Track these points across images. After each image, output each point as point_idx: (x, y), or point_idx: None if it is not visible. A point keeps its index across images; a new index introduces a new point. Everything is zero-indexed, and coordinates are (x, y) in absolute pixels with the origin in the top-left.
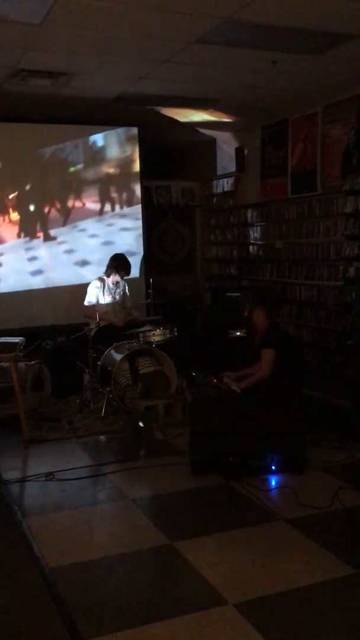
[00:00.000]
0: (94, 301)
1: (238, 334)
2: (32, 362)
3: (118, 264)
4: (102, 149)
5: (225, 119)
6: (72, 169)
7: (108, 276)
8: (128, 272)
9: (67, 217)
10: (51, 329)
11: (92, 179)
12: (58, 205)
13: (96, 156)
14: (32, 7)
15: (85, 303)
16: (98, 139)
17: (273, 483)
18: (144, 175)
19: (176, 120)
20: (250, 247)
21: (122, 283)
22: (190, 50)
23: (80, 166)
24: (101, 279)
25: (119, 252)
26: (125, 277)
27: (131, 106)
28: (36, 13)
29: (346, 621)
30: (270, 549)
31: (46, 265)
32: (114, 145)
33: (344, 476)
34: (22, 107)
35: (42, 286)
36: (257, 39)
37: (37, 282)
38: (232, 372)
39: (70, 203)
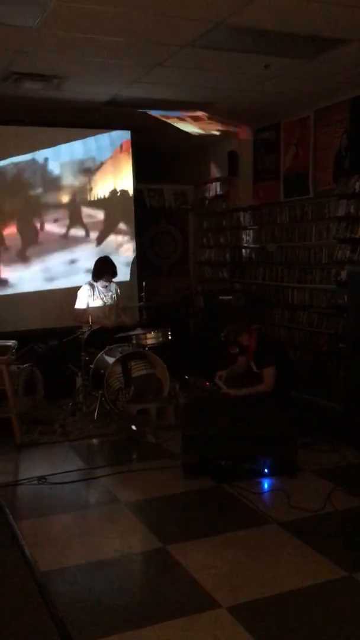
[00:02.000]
0: (83, 306)
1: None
2: (24, 366)
3: (99, 267)
4: (94, 152)
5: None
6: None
7: (96, 281)
8: (113, 274)
9: (57, 219)
10: (43, 332)
11: (83, 181)
12: (48, 207)
13: (88, 159)
14: (26, 10)
15: (75, 307)
16: (90, 142)
17: (265, 486)
18: (136, 178)
19: (169, 124)
20: (243, 250)
21: (112, 285)
22: (183, 54)
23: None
24: (90, 284)
25: (113, 257)
26: (115, 280)
27: (124, 109)
28: (30, 16)
29: (339, 624)
30: (262, 552)
31: (39, 269)
32: (106, 148)
33: (335, 479)
34: (14, 110)
35: (34, 289)
36: (249, 43)
37: (29, 286)
38: (223, 371)
39: (60, 205)
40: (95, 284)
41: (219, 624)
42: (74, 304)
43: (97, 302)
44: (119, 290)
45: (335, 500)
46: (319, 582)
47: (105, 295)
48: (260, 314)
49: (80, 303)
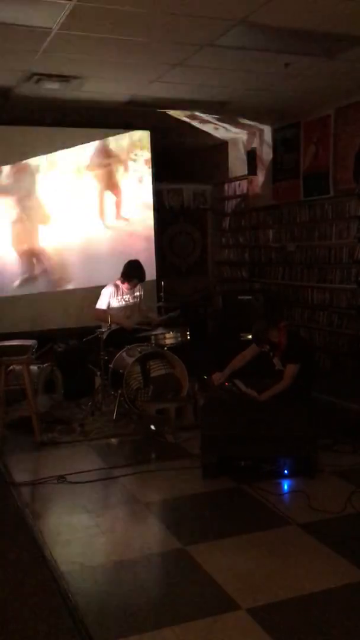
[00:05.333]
0: (104, 306)
1: (249, 337)
2: (44, 365)
3: (130, 272)
4: (114, 152)
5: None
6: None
7: (122, 282)
8: (141, 279)
9: (78, 219)
10: (63, 331)
11: (103, 181)
12: (69, 207)
13: (107, 159)
14: (46, 11)
15: (97, 306)
16: (110, 142)
17: (285, 487)
18: (155, 178)
19: (188, 123)
20: (262, 250)
21: (137, 287)
22: (202, 53)
23: (91, 169)
24: (115, 285)
25: (132, 256)
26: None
27: (143, 109)
28: (49, 17)
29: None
30: (282, 554)
31: (58, 268)
32: (125, 148)
33: (356, 480)
34: (34, 110)
35: (54, 289)
36: (269, 42)
37: (49, 285)
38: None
39: (81, 206)
40: (120, 284)
41: (239, 626)
42: (96, 302)
43: (119, 303)
44: (142, 292)
45: (356, 501)
46: (340, 585)
47: (128, 297)
48: (280, 313)
49: (103, 302)
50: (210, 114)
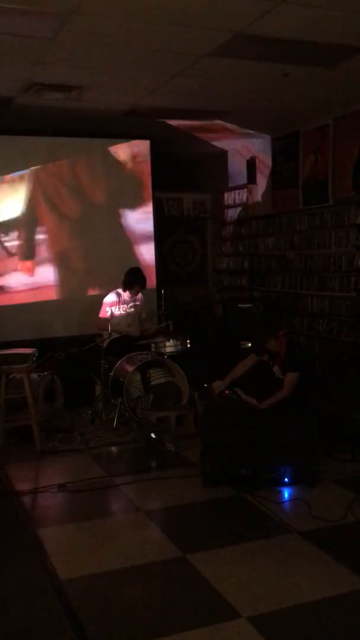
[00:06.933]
0: (106, 314)
1: (249, 345)
2: (44, 373)
3: (131, 279)
4: (114, 161)
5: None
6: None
7: (124, 290)
8: (143, 286)
9: (78, 228)
10: (63, 340)
11: (103, 191)
12: (69, 217)
13: (108, 168)
14: (46, 21)
15: (100, 315)
16: (110, 151)
17: (286, 495)
18: (155, 187)
19: (188, 132)
20: (262, 258)
21: (139, 295)
22: (202, 63)
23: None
24: (117, 293)
25: (132, 265)
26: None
27: (143, 119)
28: (50, 28)
29: None
30: (283, 562)
31: (59, 277)
32: (125, 158)
33: (357, 489)
34: (35, 120)
35: (55, 298)
36: (268, 52)
37: (50, 294)
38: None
39: (81, 214)
40: (122, 293)
41: (239, 634)
42: (98, 311)
43: (121, 311)
44: (143, 300)
45: (357, 510)
46: (340, 593)
47: (130, 305)
48: (280, 322)
49: (105, 311)
50: (209, 123)
